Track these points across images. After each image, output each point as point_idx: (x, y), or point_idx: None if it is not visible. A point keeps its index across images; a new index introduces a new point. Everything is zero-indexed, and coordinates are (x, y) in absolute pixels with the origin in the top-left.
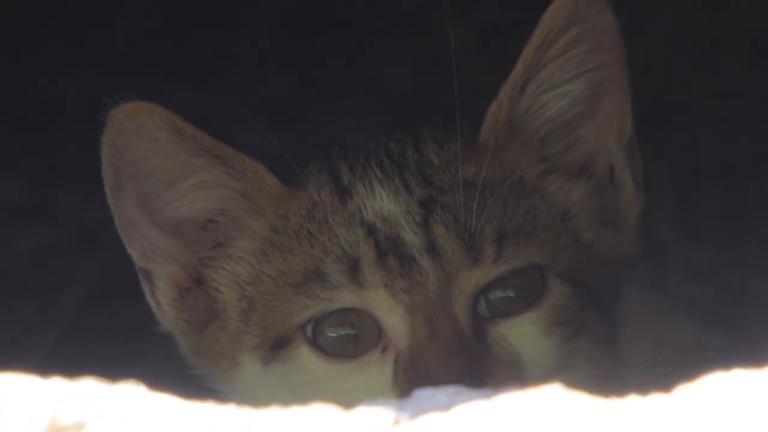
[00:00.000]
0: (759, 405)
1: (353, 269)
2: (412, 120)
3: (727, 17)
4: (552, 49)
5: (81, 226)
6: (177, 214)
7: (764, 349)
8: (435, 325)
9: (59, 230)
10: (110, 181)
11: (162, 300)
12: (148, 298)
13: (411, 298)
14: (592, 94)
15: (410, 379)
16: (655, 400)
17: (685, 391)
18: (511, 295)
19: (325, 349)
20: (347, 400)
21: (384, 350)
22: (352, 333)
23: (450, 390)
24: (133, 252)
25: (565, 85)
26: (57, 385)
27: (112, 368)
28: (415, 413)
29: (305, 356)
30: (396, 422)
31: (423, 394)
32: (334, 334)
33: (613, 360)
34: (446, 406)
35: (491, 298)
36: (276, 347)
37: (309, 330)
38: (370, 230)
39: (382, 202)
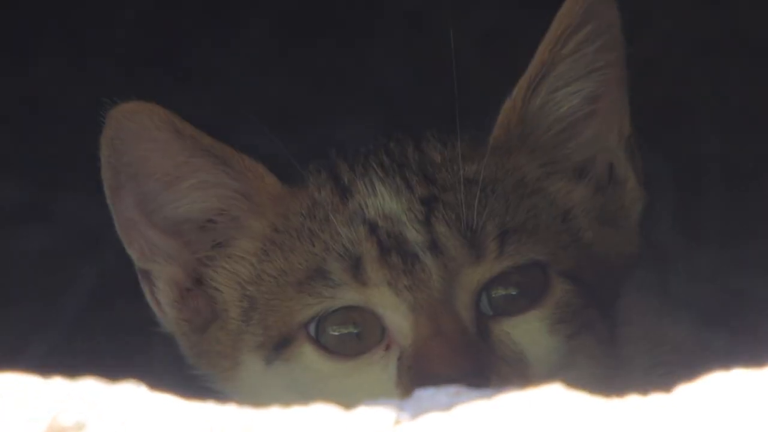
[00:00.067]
0: (759, 405)
1: (356, 267)
2: (412, 120)
3: (728, 18)
4: (568, 45)
5: (81, 226)
6: (176, 215)
7: (765, 349)
8: (439, 323)
9: (59, 231)
10: (109, 182)
11: (162, 300)
12: (148, 298)
13: (414, 295)
14: (597, 93)
15: (415, 376)
16: (656, 400)
17: (686, 391)
18: (513, 293)
19: (328, 348)
20: (350, 399)
21: (387, 348)
22: (355, 331)
23: (451, 390)
24: (132, 252)
25: (576, 83)
26: (57, 385)
27: (112, 368)
28: (416, 413)
29: (308, 355)
30: (397, 422)
31: (424, 394)
32: (336, 333)
33: (613, 359)
34: (447, 406)
35: (494, 296)
36: (278, 346)
37: (312, 329)
38: (372, 228)
39: (384, 200)
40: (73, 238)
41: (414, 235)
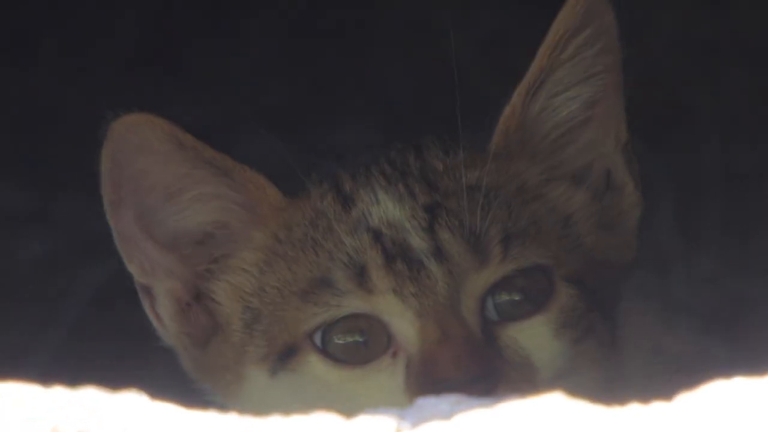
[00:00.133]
0: (760, 413)
1: (360, 275)
2: (414, 125)
3: (728, 19)
4: (567, 50)
5: (82, 231)
6: (177, 227)
7: (765, 357)
8: (445, 328)
9: (60, 236)
10: (110, 197)
11: (163, 315)
12: (148, 312)
13: (420, 302)
14: (595, 98)
15: (423, 382)
16: (657, 408)
17: (687, 400)
18: (518, 298)
19: (335, 357)
20: (358, 407)
21: (394, 355)
22: (361, 339)
23: (452, 398)
24: (132, 268)
25: (575, 88)
26: (58, 393)
27: (113, 375)
28: (417, 422)
29: (314, 364)
30: (398, 431)
31: (425, 403)
32: (342, 341)
33: (614, 362)
34: (448, 415)
35: (499, 301)
36: (283, 357)
37: (317, 338)
38: (377, 236)
39: (387, 208)
40: (74, 244)
41: (418, 242)
